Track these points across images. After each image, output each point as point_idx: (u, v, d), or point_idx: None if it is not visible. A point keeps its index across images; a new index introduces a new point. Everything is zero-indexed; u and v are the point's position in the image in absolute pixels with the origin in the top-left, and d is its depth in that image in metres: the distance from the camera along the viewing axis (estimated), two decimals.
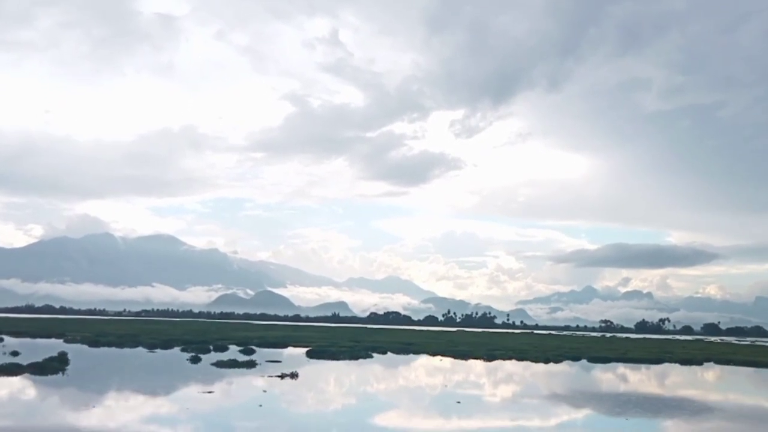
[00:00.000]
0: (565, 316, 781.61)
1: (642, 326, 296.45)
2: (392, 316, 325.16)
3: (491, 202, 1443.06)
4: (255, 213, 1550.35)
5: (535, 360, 54.09)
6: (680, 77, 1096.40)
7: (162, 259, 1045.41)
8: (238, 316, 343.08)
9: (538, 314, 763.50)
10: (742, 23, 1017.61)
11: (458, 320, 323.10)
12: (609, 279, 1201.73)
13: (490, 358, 54.51)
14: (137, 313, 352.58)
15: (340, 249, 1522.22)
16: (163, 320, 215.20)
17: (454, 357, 55.18)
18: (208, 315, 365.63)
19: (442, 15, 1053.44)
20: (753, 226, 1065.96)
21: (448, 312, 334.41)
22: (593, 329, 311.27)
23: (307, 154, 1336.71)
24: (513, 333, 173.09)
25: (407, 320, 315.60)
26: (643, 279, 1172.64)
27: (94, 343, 61.08)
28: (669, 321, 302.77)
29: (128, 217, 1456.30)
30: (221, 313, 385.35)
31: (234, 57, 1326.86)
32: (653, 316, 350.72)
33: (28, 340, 67.59)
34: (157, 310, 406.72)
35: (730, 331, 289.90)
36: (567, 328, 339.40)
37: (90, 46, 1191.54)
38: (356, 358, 49.98)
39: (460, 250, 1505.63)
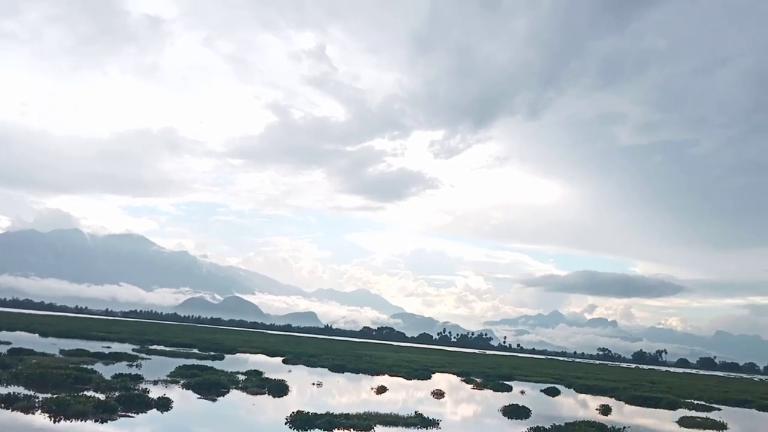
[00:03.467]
0: (531, 339, 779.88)
1: (640, 357, 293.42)
2: (386, 332, 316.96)
3: (464, 222, 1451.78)
4: (228, 218, 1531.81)
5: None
6: (656, 114, 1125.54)
7: (130, 259, 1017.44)
8: (206, 321, 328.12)
9: (505, 336, 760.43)
10: (718, 67, 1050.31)
11: (453, 340, 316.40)
12: (575, 305, 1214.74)
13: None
14: (105, 312, 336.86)
15: (311, 259, 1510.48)
16: (172, 324, 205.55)
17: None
18: (179, 318, 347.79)
19: (429, 37, 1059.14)
20: (717, 262, 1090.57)
21: (444, 331, 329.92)
22: (591, 356, 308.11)
23: (286, 164, 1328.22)
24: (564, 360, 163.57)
25: (402, 336, 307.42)
26: (608, 307, 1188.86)
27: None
28: (666, 353, 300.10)
29: (99, 215, 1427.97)
30: (194, 317, 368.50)
31: (219, 64, 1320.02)
32: (617, 345, 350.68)
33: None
34: (136, 311, 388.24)
35: (725, 366, 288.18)
36: (564, 354, 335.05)
37: (74, 42, 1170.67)
38: (497, 390, 43.62)
39: (430, 267, 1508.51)
